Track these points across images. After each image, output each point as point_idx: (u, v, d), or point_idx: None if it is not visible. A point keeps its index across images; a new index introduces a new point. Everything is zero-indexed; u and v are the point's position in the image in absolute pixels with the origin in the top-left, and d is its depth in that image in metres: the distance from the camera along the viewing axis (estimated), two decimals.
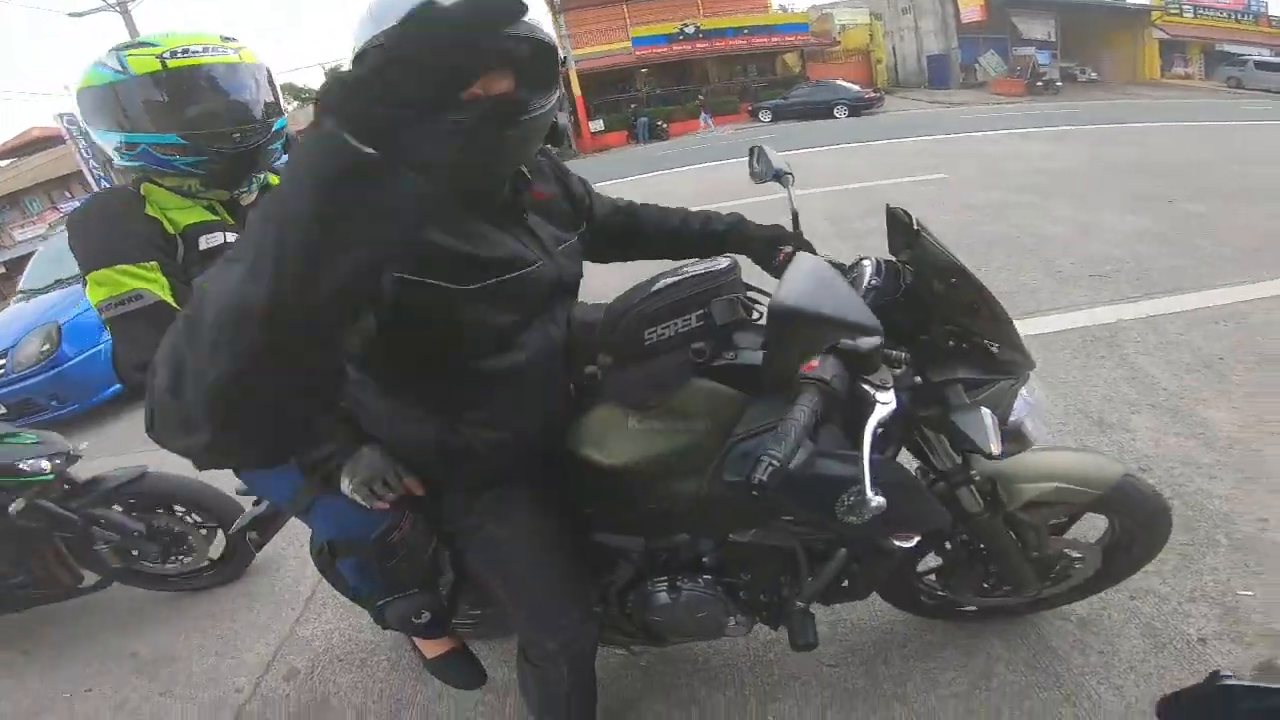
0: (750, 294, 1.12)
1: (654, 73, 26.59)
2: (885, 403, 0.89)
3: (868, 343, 0.90)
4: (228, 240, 1.33)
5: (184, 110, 1.29)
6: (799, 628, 1.33)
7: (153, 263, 1.23)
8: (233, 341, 0.49)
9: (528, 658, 1.38)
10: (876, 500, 0.83)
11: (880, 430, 0.89)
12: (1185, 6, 28.39)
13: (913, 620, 1.77)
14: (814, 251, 1.38)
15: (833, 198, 7.40)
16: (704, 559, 1.37)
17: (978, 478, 1.29)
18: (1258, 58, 18.69)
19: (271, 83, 1.43)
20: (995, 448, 1.10)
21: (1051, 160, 8.81)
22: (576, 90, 24.22)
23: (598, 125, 24.87)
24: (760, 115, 23.70)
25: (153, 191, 1.33)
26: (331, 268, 0.48)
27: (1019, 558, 1.44)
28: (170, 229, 1.30)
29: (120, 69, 1.27)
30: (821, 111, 21.81)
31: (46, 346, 4.67)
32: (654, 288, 1.09)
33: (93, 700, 2.22)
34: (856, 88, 22.74)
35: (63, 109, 19.06)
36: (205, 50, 1.30)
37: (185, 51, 1.28)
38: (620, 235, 1.44)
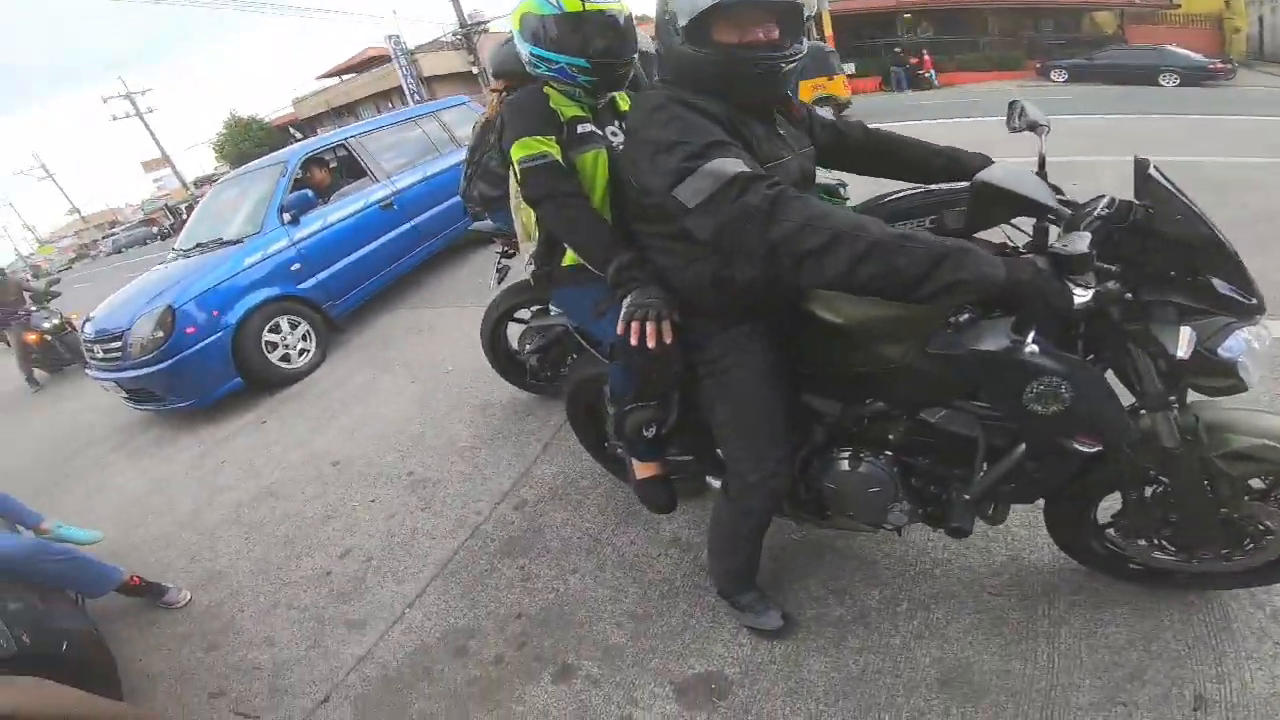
0: None
1: (919, 18, 25.01)
2: (1082, 296, 1.13)
3: (1078, 248, 1.13)
4: (593, 131, 1.88)
5: (592, 43, 1.84)
6: (958, 512, 1.55)
7: (553, 137, 1.82)
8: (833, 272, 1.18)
9: (727, 491, 1.76)
10: (1030, 348, 1.18)
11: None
12: None
13: (1095, 576, 1.86)
14: (1061, 192, 1.56)
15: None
16: (890, 437, 1.61)
17: (1176, 407, 1.38)
18: None
19: (634, 26, 1.96)
20: (1183, 352, 1.25)
21: None
22: (828, 30, 23.25)
23: (849, 67, 24.03)
24: (1052, 74, 21.18)
25: (552, 93, 1.91)
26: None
27: (1208, 510, 1.48)
28: (562, 118, 1.87)
29: (556, 5, 1.84)
30: (1141, 77, 18.84)
31: (159, 334, 4.48)
32: (902, 193, 1.48)
33: (373, 509, 3.09)
34: (1198, 56, 19.26)
35: (391, 32, 23.65)
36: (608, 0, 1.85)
37: None
38: (833, 149, 1.78)
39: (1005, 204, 1.19)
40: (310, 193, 5.40)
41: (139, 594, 2.79)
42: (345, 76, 31.87)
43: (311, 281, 5.30)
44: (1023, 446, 1.44)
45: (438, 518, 2.87)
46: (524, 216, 2.05)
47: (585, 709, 1.90)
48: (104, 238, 39.84)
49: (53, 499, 4.02)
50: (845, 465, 1.66)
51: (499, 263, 3.43)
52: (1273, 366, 2.73)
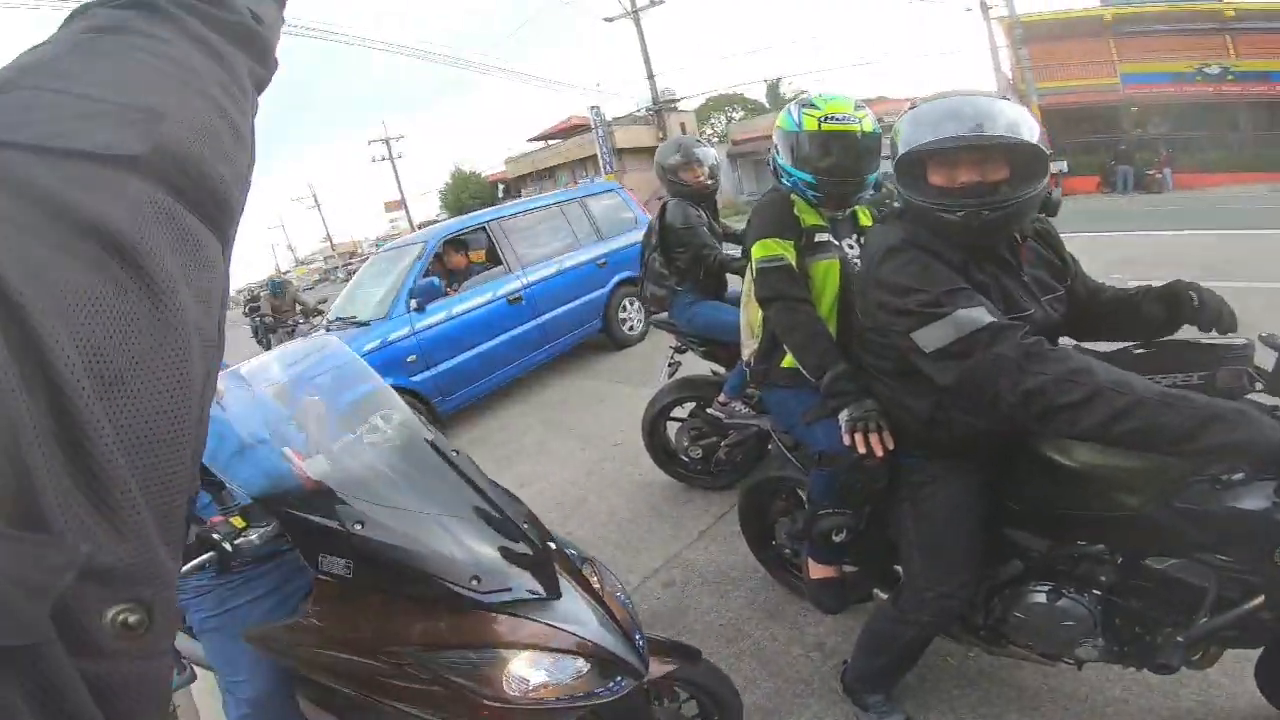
0: (1256, 374, 1.36)
1: (1148, 114, 23.24)
2: None
3: None
4: (829, 241, 2.05)
5: (819, 161, 2.02)
6: (1169, 650, 1.48)
7: (791, 241, 2.02)
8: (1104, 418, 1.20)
9: (896, 604, 1.80)
10: None
11: None
12: None
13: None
14: None
15: None
16: (1101, 577, 1.57)
17: None
18: None
19: (877, 143, 2.04)
20: None
21: None
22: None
23: (1059, 166, 22.65)
24: None
25: (796, 199, 2.10)
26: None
27: None
28: (802, 224, 2.05)
29: (797, 122, 2.04)
30: None
31: None
32: (1166, 340, 1.45)
33: None
34: None
35: (593, 103, 25.85)
36: (844, 119, 1.99)
37: (831, 119, 1.99)
38: (1095, 318, 1.68)
39: None
40: (437, 280, 5.49)
41: None
42: (551, 141, 35.32)
43: (425, 375, 5.26)
44: (1260, 599, 1.38)
45: None
46: (750, 314, 2.22)
47: None
48: (343, 266, 48.02)
49: None
50: (1041, 598, 1.64)
51: (671, 358, 3.71)
52: None
